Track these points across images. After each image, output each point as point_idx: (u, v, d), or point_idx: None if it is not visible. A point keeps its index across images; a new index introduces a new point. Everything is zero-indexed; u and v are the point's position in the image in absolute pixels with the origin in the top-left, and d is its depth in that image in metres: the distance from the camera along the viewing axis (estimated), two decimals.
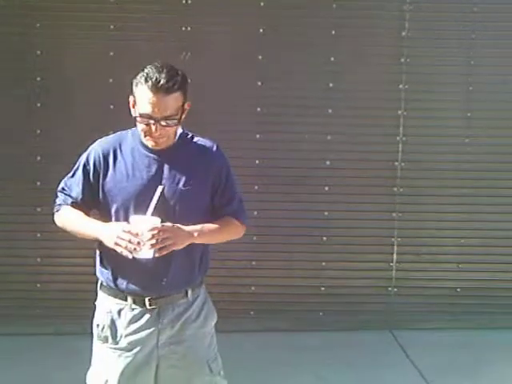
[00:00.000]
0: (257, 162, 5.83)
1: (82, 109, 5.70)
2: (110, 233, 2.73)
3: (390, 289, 6.03)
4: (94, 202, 2.95)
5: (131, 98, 2.88)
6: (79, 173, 2.96)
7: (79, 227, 2.91)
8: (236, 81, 5.76)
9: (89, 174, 2.93)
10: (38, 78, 5.70)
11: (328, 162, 5.90)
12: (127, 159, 2.91)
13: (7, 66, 5.68)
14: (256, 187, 5.82)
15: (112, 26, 5.69)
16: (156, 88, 2.75)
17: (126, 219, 2.82)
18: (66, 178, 3.03)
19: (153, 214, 2.74)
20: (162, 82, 2.75)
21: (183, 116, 2.89)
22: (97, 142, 3.02)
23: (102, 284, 3.00)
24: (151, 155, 2.90)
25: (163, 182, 2.87)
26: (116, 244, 2.68)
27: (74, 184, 2.97)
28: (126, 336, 2.91)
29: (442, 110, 5.95)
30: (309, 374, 5.08)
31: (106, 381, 2.93)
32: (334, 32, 5.83)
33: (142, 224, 2.69)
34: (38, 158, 5.73)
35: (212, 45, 5.76)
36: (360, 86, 5.86)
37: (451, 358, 5.37)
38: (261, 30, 5.78)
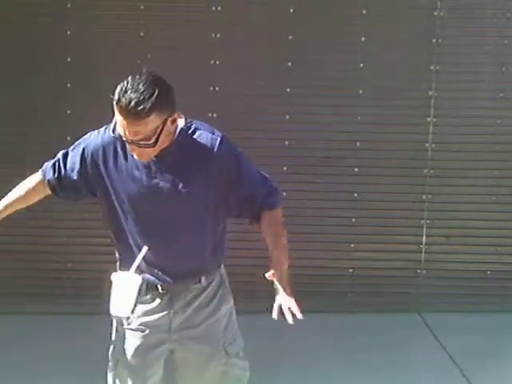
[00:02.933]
0: (286, 143, 5.82)
1: (112, 90, 5.69)
2: None
3: (419, 271, 6.00)
4: (75, 190, 2.93)
5: None
6: (75, 158, 2.89)
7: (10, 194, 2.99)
8: (265, 61, 5.74)
9: (85, 161, 2.85)
10: (68, 59, 5.72)
11: (358, 144, 5.87)
12: (127, 157, 2.77)
13: (37, 47, 5.71)
14: (285, 168, 5.80)
15: (142, 7, 5.68)
16: (126, 111, 2.53)
17: (124, 219, 2.81)
18: (60, 154, 2.99)
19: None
20: (131, 104, 2.50)
21: (166, 132, 2.64)
22: (96, 132, 2.91)
23: (118, 265, 2.98)
24: (154, 160, 2.74)
25: (161, 184, 2.74)
26: None
27: (66, 165, 2.93)
28: (138, 317, 2.89)
29: (473, 91, 5.88)
30: (337, 356, 5.08)
31: (118, 360, 2.96)
32: (364, 12, 5.77)
33: (124, 284, 2.69)
34: (68, 138, 5.72)
35: (242, 24, 5.74)
36: (391, 66, 5.81)
37: (480, 340, 5.34)
38: (291, 10, 5.74)
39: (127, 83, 2.57)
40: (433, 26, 5.81)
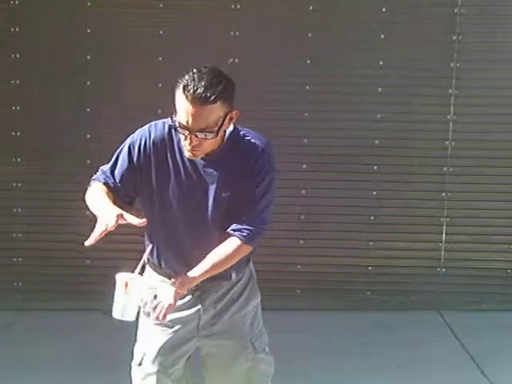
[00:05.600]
0: (305, 140, 5.81)
1: (132, 87, 5.74)
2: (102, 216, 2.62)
3: (438, 269, 5.98)
4: (129, 188, 2.84)
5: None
6: (123, 156, 2.83)
7: (94, 205, 2.73)
8: (284, 59, 5.74)
9: (133, 159, 2.79)
10: (88, 57, 5.75)
11: (377, 141, 5.85)
12: (176, 155, 2.78)
13: (57, 45, 5.75)
14: (304, 166, 5.81)
15: (161, 5, 5.70)
16: (193, 97, 2.57)
17: (163, 216, 2.82)
18: (110, 160, 2.89)
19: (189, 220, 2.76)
20: (199, 91, 2.56)
21: (225, 127, 2.70)
22: (146, 127, 2.85)
23: (148, 259, 2.97)
24: (202, 159, 2.76)
25: (205, 186, 2.77)
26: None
27: (114, 166, 2.85)
28: (169, 313, 2.89)
29: (494, 89, 5.84)
30: (356, 353, 5.08)
31: (144, 354, 2.97)
32: (384, 9, 5.75)
33: (130, 286, 2.61)
34: (88, 136, 5.79)
35: (261, 22, 5.74)
36: (411, 64, 5.79)
37: (501, 340, 5.32)
38: (311, 8, 5.73)
39: (194, 73, 2.62)
40: (453, 23, 5.78)
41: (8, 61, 5.75)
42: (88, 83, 5.76)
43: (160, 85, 5.60)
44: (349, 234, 5.89)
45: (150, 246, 2.78)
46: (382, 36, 5.78)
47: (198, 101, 2.57)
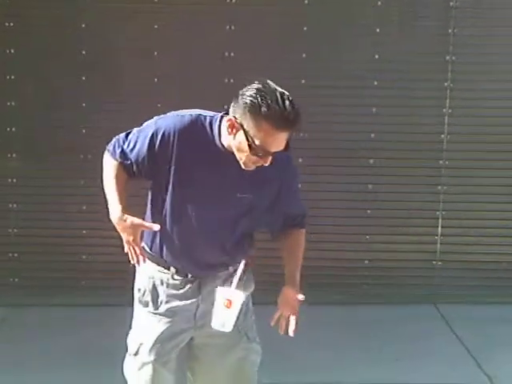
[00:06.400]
0: (301, 134, 5.79)
1: (127, 82, 5.73)
2: (121, 226, 2.72)
3: (434, 262, 6.00)
4: (142, 172, 2.82)
5: (234, 119, 2.61)
6: (142, 140, 2.76)
7: (107, 190, 2.80)
8: (280, 53, 5.73)
9: (154, 147, 2.73)
10: (84, 52, 5.73)
11: (373, 135, 5.86)
12: (202, 152, 2.74)
13: (53, 40, 5.73)
14: (300, 160, 5.79)
15: (157, 0, 5.69)
16: (288, 125, 2.55)
17: (181, 211, 2.80)
18: (131, 134, 2.83)
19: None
20: (292, 117, 2.52)
21: None
22: (171, 117, 2.78)
23: (146, 249, 2.95)
24: (227, 157, 2.71)
25: (230, 187, 2.77)
26: (126, 241, 2.74)
27: (134, 149, 2.79)
28: (167, 302, 2.92)
29: (489, 82, 5.85)
30: (353, 347, 5.09)
31: (141, 343, 2.96)
32: (379, 3, 5.75)
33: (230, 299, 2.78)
34: (84, 130, 5.78)
35: (256, 16, 5.73)
36: (406, 57, 5.79)
37: (496, 332, 5.34)
38: (306, 1, 5.73)
39: (276, 101, 2.53)
40: (449, 16, 5.78)
41: (3, 56, 5.74)
42: (83, 78, 5.75)
43: (156, 79, 5.60)
44: (345, 228, 5.90)
45: (244, 262, 2.88)
46: (378, 30, 5.78)
47: (291, 127, 2.57)
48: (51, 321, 5.45)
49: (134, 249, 2.74)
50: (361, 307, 5.78)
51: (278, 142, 2.59)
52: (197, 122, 2.75)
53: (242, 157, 2.66)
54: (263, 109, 2.53)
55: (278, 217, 2.95)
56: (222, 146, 2.73)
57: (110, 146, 2.86)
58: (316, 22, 5.74)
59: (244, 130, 2.59)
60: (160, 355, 2.94)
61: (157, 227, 2.68)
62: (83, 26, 5.70)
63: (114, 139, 2.87)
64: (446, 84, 5.84)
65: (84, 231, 5.85)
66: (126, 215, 2.73)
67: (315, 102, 5.75)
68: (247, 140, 2.59)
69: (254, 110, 2.55)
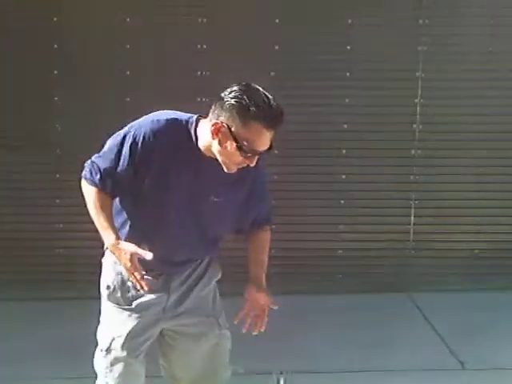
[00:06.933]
0: None
1: (99, 75, 5.70)
2: (117, 253, 2.70)
3: (407, 251, 6.05)
4: (123, 187, 2.78)
5: (220, 123, 2.59)
6: (126, 154, 2.70)
7: (96, 219, 2.74)
8: (253, 45, 5.74)
9: (136, 155, 2.69)
10: (55, 45, 5.71)
11: (345, 125, 5.89)
12: (179, 156, 2.73)
13: (23, 34, 5.69)
14: (276, 151, 5.81)
15: None
16: (276, 123, 2.60)
17: (156, 214, 2.80)
18: (106, 152, 2.76)
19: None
20: (279, 115, 2.60)
21: None
22: (147, 122, 2.73)
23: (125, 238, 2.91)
24: (204, 161, 2.73)
25: (205, 190, 2.78)
26: (125, 268, 2.73)
27: (115, 165, 2.72)
28: (136, 298, 2.94)
29: (461, 72, 5.90)
30: (327, 336, 5.12)
31: (113, 339, 2.97)
32: None
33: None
34: (57, 125, 5.76)
35: (229, 8, 5.73)
36: (378, 48, 5.83)
37: (469, 319, 5.40)
38: None
39: (257, 95, 2.61)
40: (419, 6, 5.82)
41: None
42: (55, 72, 5.72)
43: (128, 72, 5.59)
44: (319, 218, 5.93)
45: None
46: (350, 21, 5.81)
47: (282, 122, 2.62)
48: (26, 314, 5.44)
49: (134, 275, 2.70)
50: (334, 297, 5.80)
51: (266, 141, 2.63)
52: (173, 126, 2.74)
53: (225, 160, 2.67)
54: (252, 108, 2.56)
55: (248, 218, 2.99)
56: (199, 149, 2.74)
57: (86, 174, 2.78)
58: (288, 14, 5.75)
59: (231, 133, 2.59)
60: (132, 349, 2.95)
61: (149, 256, 2.62)
62: (55, 19, 5.67)
63: (87, 165, 2.80)
64: (417, 74, 5.88)
65: (61, 225, 5.83)
66: (120, 242, 2.71)
67: (288, 92, 5.75)
68: (236, 142, 2.59)
69: (242, 110, 2.58)
